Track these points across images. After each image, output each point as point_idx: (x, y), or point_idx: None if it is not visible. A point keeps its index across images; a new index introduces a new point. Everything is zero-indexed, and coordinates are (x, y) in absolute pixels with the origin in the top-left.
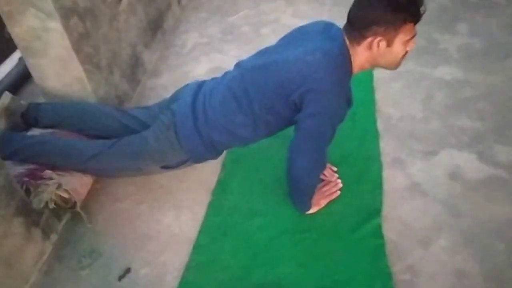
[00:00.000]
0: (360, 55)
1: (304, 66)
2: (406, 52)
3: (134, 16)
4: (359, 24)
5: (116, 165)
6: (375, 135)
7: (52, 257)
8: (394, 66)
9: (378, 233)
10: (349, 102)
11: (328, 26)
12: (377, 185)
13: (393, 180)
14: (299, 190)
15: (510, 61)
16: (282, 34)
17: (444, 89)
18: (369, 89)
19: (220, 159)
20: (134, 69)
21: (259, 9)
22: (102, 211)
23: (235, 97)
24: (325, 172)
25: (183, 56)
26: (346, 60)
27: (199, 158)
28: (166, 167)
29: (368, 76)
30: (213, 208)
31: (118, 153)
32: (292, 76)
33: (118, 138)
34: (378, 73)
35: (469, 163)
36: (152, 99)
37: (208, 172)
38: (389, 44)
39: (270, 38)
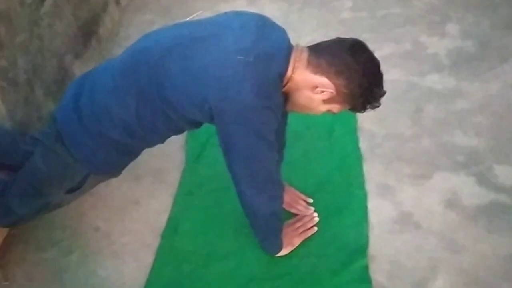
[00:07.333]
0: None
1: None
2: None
3: (61, 21)
4: (331, 66)
5: (21, 208)
6: (357, 158)
7: None
8: (302, 111)
9: (364, 276)
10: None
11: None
12: (362, 218)
13: (379, 211)
14: (260, 225)
15: (507, 66)
16: None
17: (435, 100)
18: None
19: (171, 191)
20: (62, 85)
21: (216, 9)
22: (22, 264)
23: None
24: (298, 206)
25: None
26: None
27: (99, 168)
28: (71, 191)
29: None
30: (163, 253)
31: (17, 192)
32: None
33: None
34: None
35: (467, 188)
36: None
37: (155, 209)
38: (326, 102)
39: None
